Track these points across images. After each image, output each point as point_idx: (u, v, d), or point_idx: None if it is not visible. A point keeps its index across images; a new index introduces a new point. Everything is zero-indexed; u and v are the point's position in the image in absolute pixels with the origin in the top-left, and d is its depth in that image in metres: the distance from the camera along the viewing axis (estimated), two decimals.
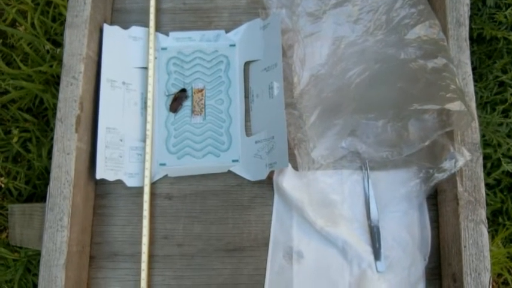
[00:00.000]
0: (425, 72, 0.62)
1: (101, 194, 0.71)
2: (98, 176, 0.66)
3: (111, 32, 0.71)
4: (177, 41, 0.74)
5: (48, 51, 1.05)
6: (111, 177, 0.68)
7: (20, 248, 0.97)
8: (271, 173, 0.68)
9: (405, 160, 0.68)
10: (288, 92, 0.70)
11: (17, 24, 1.11)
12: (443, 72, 0.62)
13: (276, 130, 0.66)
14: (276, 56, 0.68)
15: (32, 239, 0.79)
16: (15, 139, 1.03)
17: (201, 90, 0.73)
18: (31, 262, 0.98)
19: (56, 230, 0.63)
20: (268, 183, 0.70)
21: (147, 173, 0.69)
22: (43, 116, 1.07)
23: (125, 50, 0.72)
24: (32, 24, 1.05)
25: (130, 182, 0.69)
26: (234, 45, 0.74)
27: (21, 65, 1.02)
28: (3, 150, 1.03)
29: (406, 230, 0.68)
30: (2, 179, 1.03)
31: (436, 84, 0.60)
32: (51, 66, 1.03)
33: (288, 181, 0.67)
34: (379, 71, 0.65)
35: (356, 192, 0.70)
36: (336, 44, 0.72)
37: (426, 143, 0.63)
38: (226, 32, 0.74)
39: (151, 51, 0.72)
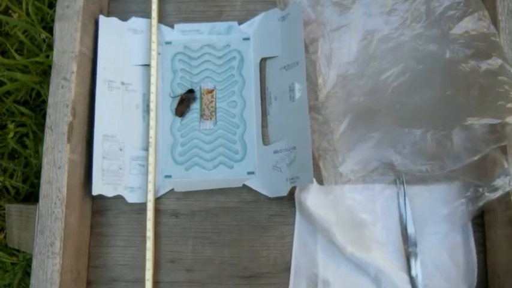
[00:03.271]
0: (478, 75, 0.53)
1: (98, 210, 0.64)
2: (95, 191, 0.59)
3: (107, 25, 0.64)
4: (184, 34, 0.67)
5: (44, 40, 0.98)
6: (109, 192, 0.61)
7: (18, 251, 0.92)
8: (293, 188, 0.60)
9: (447, 175, 0.59)
10: (311, 94, 0.62)
11: (11, 10, 1.03)
12: (499, 75, 0.52)
13: (298, 139, 0.58)
14: (297, 52, 0.60)
15: (29, 243, 0.71)
16: (11, 134, 0.97)
17: (211, 91, 0.66)
18: (30, 266, 0.92)
19: (47, 256, 0.56)
20: (289, 200, 0.62)
21: (150, 186, 0.62)
22: (40, 109, 1.00)
23: (124, 45, 0.65)
24: (27, 11, 0.98)
25: (131, 198, 0.62)
26: (248, 39, 0.67)
27: (16, 55, 0.96)
28: None
29: (448, 255, 0.60)
30: None
31: (492, 91, 0.51)
32: (47, 56, 0.95)
33: (313, 198, 0.60)
34: (422, 73, 0.55)
35: (390, 210, 0.62)
36: (368, 38, 0.63)
37: (476, 158, 0.54)
38: (239, 23, 0.67)
39: (153, 46, 0.65)
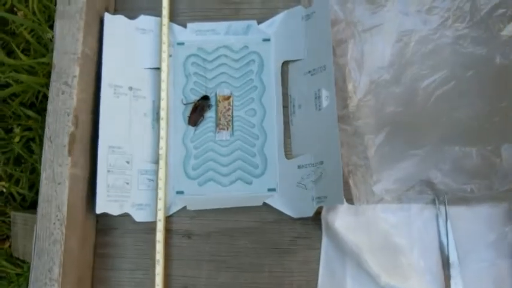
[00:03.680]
0: None
1: (103, 229, 0.59)
2: (99, 210, 0.54)
3: (114, 24, 0.59)
4: (197, 34, 0.62)
5: (51, 40, 0.94)
6: (115, 210, 0.55)
7: (23, 261, 0.88)
8: (319, 208, 0.55)
9: (494, 195, 0.53)
10: (340, 102, 0.57)
11: (16, 8, 0.99)
12: None
13: (325, 153, 0.53)
14: (324, 55, 0.55)
15: None
16: (17, 138, 0.93)
17: (228, 97, 0.61)
18: None
19: (44, 283, 0.50)
20: (314, 220, 0.56)
21: (160, 204, 0.57)
22: None
23: (132, 46, 0.60)
24: (33, 9, 0.94)
25: (139, 216, 0.56)
26: (268, 40, 0.62)
27: (21, 55, 0.92)
28: (4, 150, 0.93)
29: (494, 286, 0.54)
30: (3, 183, 0.93)
31: None
32: None
33: (341, 219, 0.54)
34: (470, 81, 0.48)
35: (428, 234, 0.56)
36: (404, 40, 0.57)
37: None
38: (259, 22, 0.62)
39: (164, 47, 0.60)
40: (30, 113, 0.92)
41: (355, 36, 0.57)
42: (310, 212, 0.54)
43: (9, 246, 0.90)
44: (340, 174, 0.51)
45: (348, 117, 0.56)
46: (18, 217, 0.74)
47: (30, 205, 0.92)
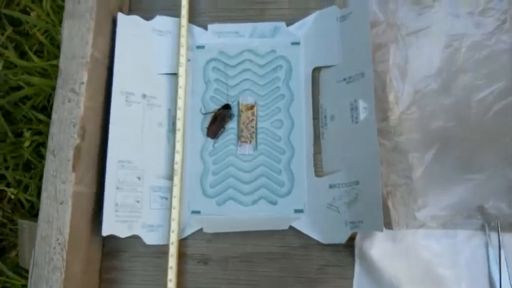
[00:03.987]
0: None
1: (110, 252, 0.53)
2: (105, 232, 0.49)
3: (127, 24, 0.55)
4: (219, 36, 0.58)
5: None
6: (124, 232, 0.51)
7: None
8: (353, 233, 0.50)
9: None
10: (378, 114, 0.51)
11: (29, 9, 0.98)
12: None
13: (362, 172, 0.49)
14: (362, 61, 0.50)
15: None
16: (27, 143, 0.92)
17: (252, 107, 0.56)
18: None
19: None
20: (346, 247, 0.51)
21: (174, 225, 0.52)
22: None
23: (147, 50, 0.56)
24: (47, 10, 0.93)
25: (150, 239, 0.52)
26: (297, 43, 0.57)
27: (34, 57, 0.90)
28: (14, 155, 0.92)
29: None
30: (12, 189, 0.92)
31: None
32: None
33: (378, 246, 0.49)
34: None
35: (477, 265, 0.49)
36: (454, 45, 0.51)
37: None
38: (288, 24, 0.57)
39: (182, 50, 0.56)
40: (41, 116, 0.90)
41: (398, 40, 0.51)
42: (342, 238, 0.49)
43: (16, 255, 0.89)
44: (380, 197, 0.46)
45: (387, 131, 0.51)
46: (25, 225, 0.69)
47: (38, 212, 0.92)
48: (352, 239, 0.50)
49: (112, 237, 0.51)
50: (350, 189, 0.49)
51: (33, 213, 0.91)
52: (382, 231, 0.46)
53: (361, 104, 0.49)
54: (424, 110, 0.50)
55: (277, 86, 0.56)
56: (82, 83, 0.49)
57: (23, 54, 0.95)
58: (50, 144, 0.48)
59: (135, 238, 0.51)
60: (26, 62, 0.91)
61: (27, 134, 0.92)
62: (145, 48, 0.56)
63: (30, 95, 0.92)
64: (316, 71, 0.56)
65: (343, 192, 0.50)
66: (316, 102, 0.55)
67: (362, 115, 0.49)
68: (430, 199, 0.48)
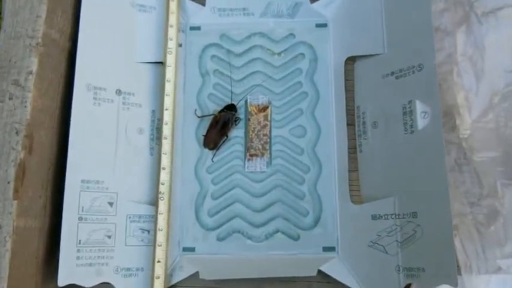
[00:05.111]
0: None
1: None
2: (63, 281, 0.40)
3: None
4: (221, 14, 0.51)
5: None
6: (89, 280, 0.42)
7: None
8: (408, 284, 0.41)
9: None
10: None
11: None
12: None
13: (423, 200, 0.40)
14: (420, 49, 0.42)
15: None
16: None
17: (265, 108, 0.48)
18: None
19: None
20: None
21: (159, 269, 0.42)
22: None
23: (123, 31, 0.48)
24: None
25: (127, 287, 0.43)
26: (324, 26, 0.50)
27: None
28: None
29: None
30: None
31: None
32: None
33: None
34: None
35: None
36: None
37: None
38: (312, 0, 0.51)
39: (172, 32, 0.48)
40: None
41: (469, 21, 0.44)
42: None
43: None
44: (451, 236, 0.37)
45: (452, 144, 0.43)
46: None
47: None
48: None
49: (73, 287, 0.42)
50: (404, 222, 0.41)
51: None
52: (456, 285, 0.36)
53: (419, 107, 0.41)
54: (507, 118, 0.43)
55: (298, 81, 0.49)
56: (30, 73, 0.40)
57: None
58: None
59: (106, 286, 0.43)
60: None
61: None
62: (121, 29, 0.47)
63: None
64: (350, 61, 0.48)
65: (394, 226, 0.42)
66: (351, 103, 0.48)
67: (421, 122, 0.41)
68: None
